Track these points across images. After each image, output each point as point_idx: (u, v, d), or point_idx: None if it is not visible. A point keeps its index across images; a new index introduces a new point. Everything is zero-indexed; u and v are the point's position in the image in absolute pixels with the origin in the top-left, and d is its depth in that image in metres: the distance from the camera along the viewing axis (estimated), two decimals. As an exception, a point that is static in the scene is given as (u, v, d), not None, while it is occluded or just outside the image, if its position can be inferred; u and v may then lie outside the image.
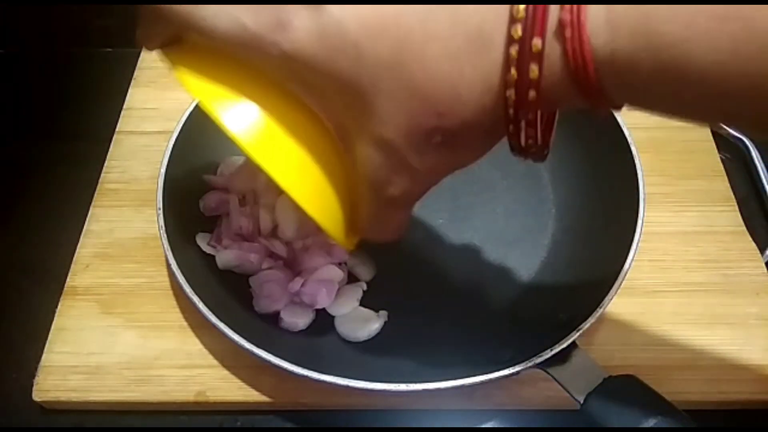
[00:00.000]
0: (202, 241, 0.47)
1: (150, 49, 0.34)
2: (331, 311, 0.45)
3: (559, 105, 0.27)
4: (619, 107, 0.26)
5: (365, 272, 0.47)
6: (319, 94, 0.28)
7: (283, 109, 0.30)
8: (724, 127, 0.56)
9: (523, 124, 0.27)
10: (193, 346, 0.45)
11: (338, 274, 0.46)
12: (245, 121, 0.30)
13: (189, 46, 0.32)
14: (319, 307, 0.45)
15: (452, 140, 0.27)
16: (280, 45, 0.26)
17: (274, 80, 0.29)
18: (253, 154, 0.29)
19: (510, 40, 0.24)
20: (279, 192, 0.42)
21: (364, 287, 0.46)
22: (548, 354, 0.38)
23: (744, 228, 0.51)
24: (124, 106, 0.59)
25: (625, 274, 0.41)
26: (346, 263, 0.47)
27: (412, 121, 0.26)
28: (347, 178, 0.31)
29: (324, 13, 0.25)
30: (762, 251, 0.50)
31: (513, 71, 0.24)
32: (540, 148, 0.30)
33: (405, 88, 0.25)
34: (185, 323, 0.46)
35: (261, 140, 0.30)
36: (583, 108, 0.26)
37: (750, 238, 0.50)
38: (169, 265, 0.43)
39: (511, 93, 0.25)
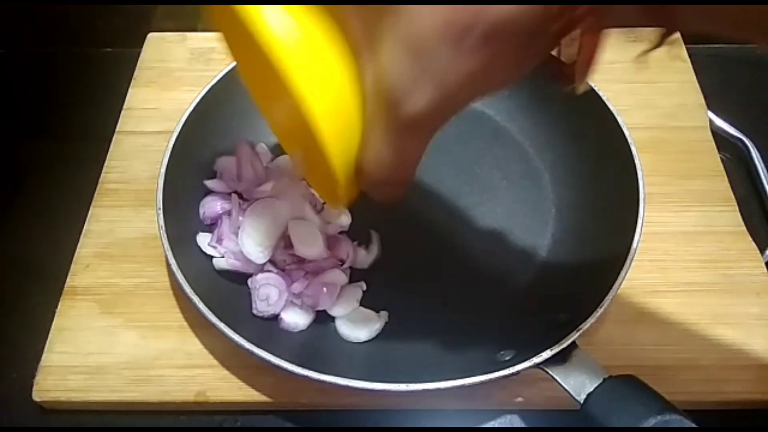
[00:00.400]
0: (202, 241, 0.47)
1: None
2: (332, 312, 0.45)
3: (611, 16, 0.25)
4: (675, 23, 0.24)
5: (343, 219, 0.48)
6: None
7: (305, 22, 0.28)
8: (724, 127, 0.56)
9: (564, 41, 0.25)
10: (193, 346, 0.45)
11: (342, 278, 0.45)
12: (277, 22, 0.28)
13: None
14: (320, 309, 0.45)
15: (486, 45, 0.24)
16: None
17: None
18: (280, 54, 0.27)
19: None
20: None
21: (364, 287, 0.46)
22: (548, 354, 0.38)
23: (744, 228, 0.51)
24: (124, 106, 0.59)
25: (625, 274, 0.42)
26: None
27: (446, 14, 0.24)
28: (360, 113, 0.29)
29: None
30: (762, 251, 0.50)
31: None
32: (581, 70, 0.27)
33: None
34: (185, 323, 0.46)
35: (289, 44, 0.28)
36: (636, 23, 0.24)
37: (750, 238, 0.50)
38: (169, 265, 0.43)
39: None
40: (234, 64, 0.53)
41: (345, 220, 0.49)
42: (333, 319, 0.46)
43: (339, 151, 0.29)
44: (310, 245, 0.45)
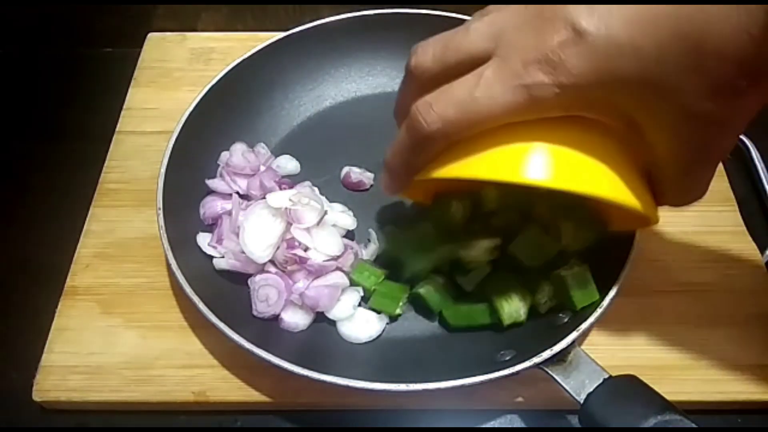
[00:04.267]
0: (202, 241, 0.47)
1: (405, 187, 0.40)
2: (330, 315, 0.45)
3: None
4: None
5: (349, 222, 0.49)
6: (601, 105, 0.31)
7: (544, 134, 0.33)
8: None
9: None
10: (193, 346, 0.45)
11: (344, 280, 0.45)
12: (534, 168, 0.33)
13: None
14: (320, 310, 0.45)
15: (756, 77, 0.29)
16: (560, 82, 0.30)
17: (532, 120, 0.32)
18: (561, 185, 0.32)
19: None
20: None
21: (362, 292, 0.46)
22: (548, 354, 0.38)
23: (744, 228, 0.51)
24: (124, 106, 0.59)
25: (626, 274, 0.41)
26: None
27: (715, 81, 0.29)
28: (634, 162, 0.35)
29: (585, 35, 0.29)
30: (762, 251, 0.50)
31: None
32: None
33: (695, 54, 0.28)
34: (185, 323, 0.46)
35: (557, 172, 0.33)
36: None
37: (750, 238, 0.50)
38: (169, 265, 0.43)
39: None
40: (234, 64, 0.53)
41: (351, 222, 0.49)
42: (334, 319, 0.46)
43: (644, 204, 0.35)
44: (331, 244, 0.45)
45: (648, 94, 0.30)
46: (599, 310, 0.40)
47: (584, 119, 0.33)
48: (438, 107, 0.33)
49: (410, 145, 0.36)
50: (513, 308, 0.43)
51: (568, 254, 0.44)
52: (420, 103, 0.34)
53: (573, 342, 0.39)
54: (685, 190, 0.36)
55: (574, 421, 0.40)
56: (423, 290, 0.45)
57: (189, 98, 0.51)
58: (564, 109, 0.32)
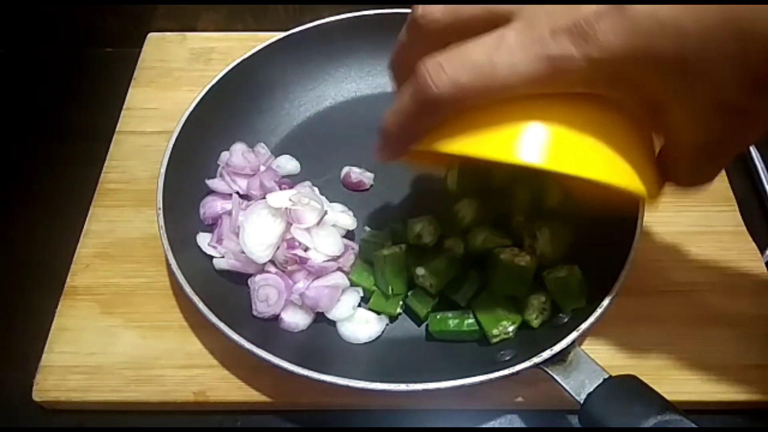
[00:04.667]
0: (202, 241, 0.47)
1: (407, 149, 0.35)
2: (330, 315, 0.45)
3: None
4: None
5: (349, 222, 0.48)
6: (627, 84, 0.29)
7: (557, 111, 0.31)
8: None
9: None
10: (193, 346, 0.45)
11: (345, 281, 0.45)
12: (531, 145, 0.31)
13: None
14: (320, 311, 0.45)
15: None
16: (590, 55, 0.28)
17: (546, 95, 0.30)
18: (555, 167, 0.31)
19: None
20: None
21: (362, 293, 0.46)
22: (548, 354, 0.38)
23: (744, 228, 0.51)
24: (124, 106, 0.59)
25: (626, 274, 0.41)
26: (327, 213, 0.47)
27: (756, 74, 0.27)
28: (643, 143, 0.33)
29: (626, 7, 0.27)
30: (762, 251, 0.50)
31: None
32: None
33: (741, 43, 0.26)
34: (185, 323, 0.46)
35: (558, 152, 0.31)
36: None
37: (750, 238, 0.50)
38: (169, 265, 0.43)
39: None
40: (234, 64, 0.53)
41: (351, 222, 0.49)
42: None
43: (646, 186, 0.33)
44: (330, 244, 0.45)
45: (683, 78, 0.28)
46: (599, 310, 0.40)
47: (594, 96, 0.31)
48: (450, 69, 0.30)
49: (413, 109, 0.32)
50: (501, 329, 0.43)
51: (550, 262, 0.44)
52: (429, 62, 0.30)
53: (573, 342, 0.39)
54: (698, 175, 0.34)
55: (574, 421, 0.40)
56: (410, 300, 0.45)
57: (189, 98, 0.51)
58: (586, 86, 0.29)
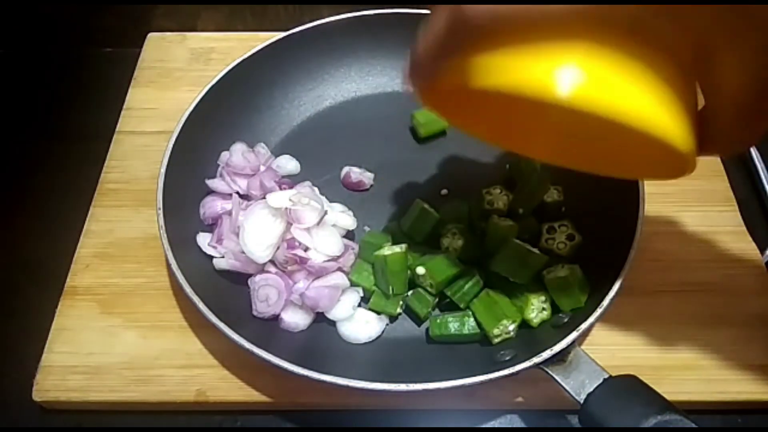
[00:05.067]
0: (202, 241, 0.47)
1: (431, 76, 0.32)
2: (330, 315, 0.45)
3: None
4: None
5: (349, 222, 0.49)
6: (681, 22, 0.27)
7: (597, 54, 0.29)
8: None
9: None
10: (193, 346, 0.45)
11: (345, 281, 0.45)
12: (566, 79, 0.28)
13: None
14: (320, 311, 0.45)
15: None
16: None
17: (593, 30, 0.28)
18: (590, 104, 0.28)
19: None
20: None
21: (362, 293, 0.46)
22: (548, 354, 0.38)
23: (744, 228, 0.51)
24: (124, 106, 0.59)
25: (625, 274, 0.42)
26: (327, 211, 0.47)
27: None
28: (687, 97, 0.31)
29: None
30: (762, 251, 0.50)
31: None
32: None
33: None
34: (185, 323, 0.46)
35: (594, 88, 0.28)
36: None
37: (750, 238, 0.50)
38: (169, 265, 0.43)
39: None
40: (234, 64, 0.53)
41: (351, 222, 0.49)
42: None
43: (682, 140, 0.30)
44: (330, 244, 0.45)
45: (742, 19, 0.26)
46: (599, 310, 0.40)
47: (642, 41, 0.29)
48: None
49: (445, 26, 0.29)
50: (501, 329, 0.43)
51: (558, 259, 0.44)
52: None
53: (573, 342, 0.39)
54: (740, 137, 0.32)
55: (574, 421, 0.40)
56: (410, 300, 0.46)
57: (189, 98, 0.51)
58: (638, 18, 0.27)
